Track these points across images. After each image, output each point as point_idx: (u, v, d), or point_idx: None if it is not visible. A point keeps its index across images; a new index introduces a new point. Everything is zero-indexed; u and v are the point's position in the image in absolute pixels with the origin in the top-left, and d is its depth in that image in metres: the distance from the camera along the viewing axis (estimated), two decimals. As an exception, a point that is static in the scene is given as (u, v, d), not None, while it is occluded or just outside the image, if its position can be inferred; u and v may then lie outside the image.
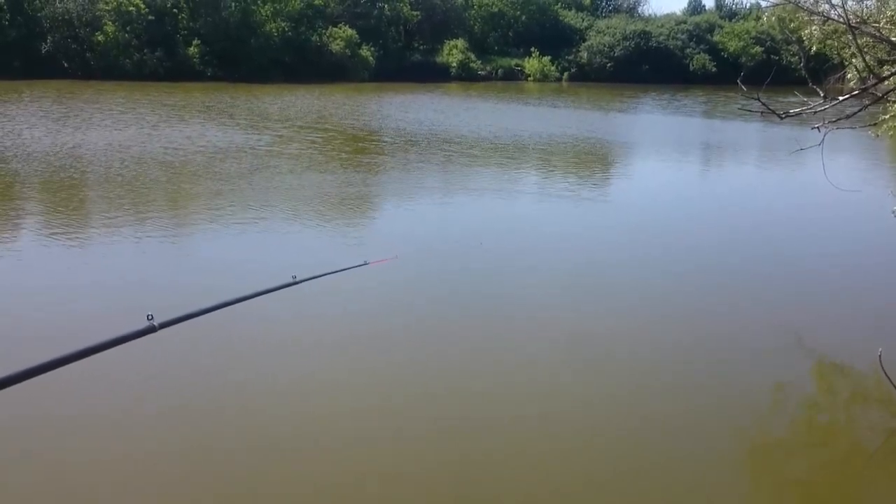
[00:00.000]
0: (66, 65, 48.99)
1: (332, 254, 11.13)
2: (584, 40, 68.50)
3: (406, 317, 8.86)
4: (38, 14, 49.82)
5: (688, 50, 67.89)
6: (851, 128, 9.49)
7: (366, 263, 4.50)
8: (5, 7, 49.65)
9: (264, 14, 54.89)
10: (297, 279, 3.35)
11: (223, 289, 8.34)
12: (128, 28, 50.17)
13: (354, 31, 56.87)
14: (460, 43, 64.10)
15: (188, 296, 8.72)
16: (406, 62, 61.35)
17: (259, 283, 3.20)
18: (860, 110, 9.00)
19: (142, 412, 6.34)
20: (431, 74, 59.46)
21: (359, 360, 7.55)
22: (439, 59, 63.48)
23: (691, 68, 66.48)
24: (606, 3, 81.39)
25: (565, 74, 66.86)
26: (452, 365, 7.61)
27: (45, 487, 5.42)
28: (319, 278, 3.60)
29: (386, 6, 62.20)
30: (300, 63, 54.31)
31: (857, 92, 8.73)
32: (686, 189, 19.34)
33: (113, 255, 10.96)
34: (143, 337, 2.42)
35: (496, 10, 71.23)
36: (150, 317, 2.45)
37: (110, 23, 49.68)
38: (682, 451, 6.25)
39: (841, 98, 8.50)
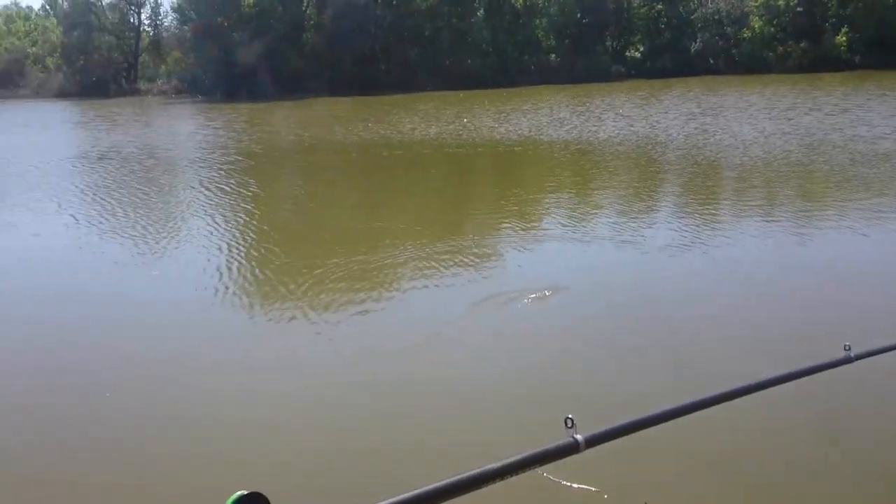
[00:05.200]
0: (711, 62, 51.71)
1: None
2: None
3: None
4: (692, 16, 53.40)
5: None
6: None
7: None
8: (662, 12, 54.52)
9: (927, -7, 49.58)
10: None
11: None
12: (774, 22, 50.54)
13: None
14: None
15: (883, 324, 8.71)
16: None
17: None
18: None
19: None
20: None
21: None
22: None
23: None
24: None
25: None
26: None
27: None
28: None
29: None
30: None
31: None
32: None
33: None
34: (838, 367, 2.25)
35: None
36: (847, 347, 2.28)
37: (757, 18, 50.66)
38: None
39: None
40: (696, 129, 24.01)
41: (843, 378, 2.53)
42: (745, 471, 5.10)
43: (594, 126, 26.04)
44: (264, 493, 1.44)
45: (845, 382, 5.38)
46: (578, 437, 1.81)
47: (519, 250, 10.92)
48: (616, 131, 24.29)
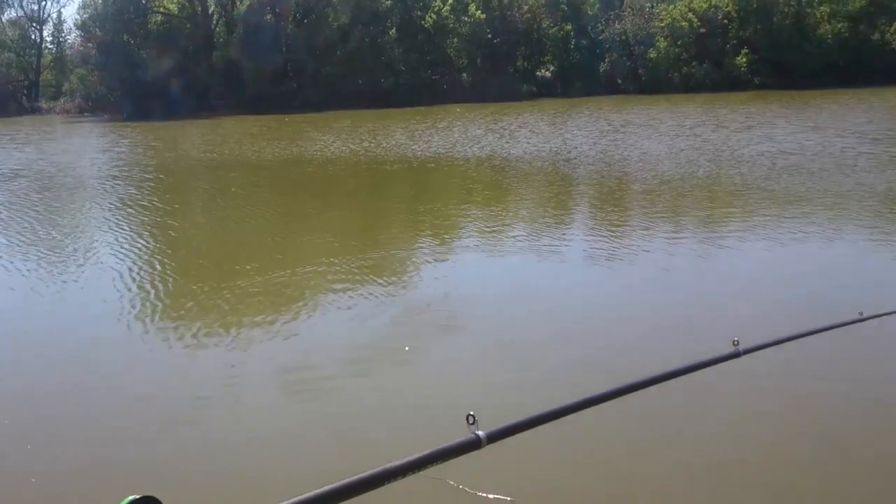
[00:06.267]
0: (619, 82, 53.02)
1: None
2: None
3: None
4: (599, 37, 54.73)
5: None
6: None
7: None
8: (571, 33, 55.77)
9: (819, 17, 52.08)
10: (864, 315, 3.07)
11: (798, 316, 8.15)
12: (678, 43, 52.26)
13: (927, 26, 50.70)
14: None
15: (767, 321, 8.92)
16: None
17: (825, 315, 3.23)
18: None
19: (723, 438, 6.26)
20: None
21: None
22: None
23: None
24: None
25: None
26: None
27: None
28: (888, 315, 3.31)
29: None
30: (856, 65, 50.24)
31: None
32: None
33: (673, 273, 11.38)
34: (727, 361, 2.43)
35: None
36: (735, 342, 2.45)
37: (662, 39, 52.28)
38: None
39: None
40: (607, 145, 24.42)
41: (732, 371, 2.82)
42: (637, 469, 5.14)
43: (507, 143, 26.19)
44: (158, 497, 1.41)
45: (734, 375, 5.45)
46: (480, 433, 1.78)
47: (438, 262, 10.78)
48: (530, 148, 24.49)
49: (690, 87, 50.21)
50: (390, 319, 8.21)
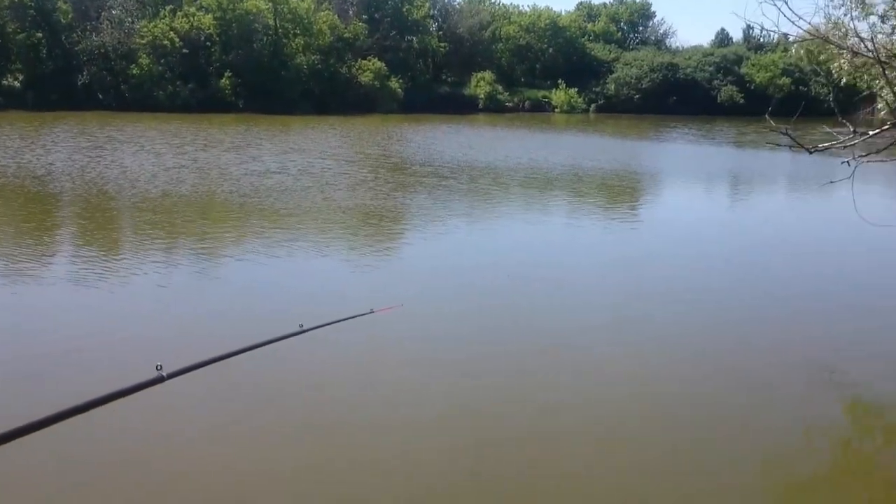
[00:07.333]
0: (101, 97, 50.04)
1: (341, 297, 10.53)
2: (612, 72, 68.82)
3: (419, 363, 8.46)
4: (76, 48, 51.02)
5: (715, 81, 67.99)
6: (883, 161, 9.42)
7: (371, 311, 4.33)
8: (43, 41, 51.04)
9: (295, 47, 55.80)
10: (304, 328, 3.30)
11: (232, 335, 8.18)
12: (162, 61, 51.26)
13: (383, 64, 57.66)
14: (488, 75, 64.72)
15: (197, 342, 8.43)
16: (434, 94, 62.01)
17: (268, 329, 3.28)
18: (893, 143, 8.93)
19: (150, 464, 6.10)
20: (459, 106, 59.97)
21: (368, 410, 7.31)
22: (467, 91, 64.14)
23: (719, 100, 66.49)
24: (634, 36, 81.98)
25: (592, 106, 67.12)
26: (473, 413, 7.35)
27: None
28: (326, 326, 3.56)
29: (414, 39, 63.12)
30: (329, 95, 55.01)
31: (887, 126, 8.68)
32: (713, 222, 19.18)
33: (129, 293, 10.70)
34: (152, 387, 2.38)
35: (524, 42, 71.94)
36: (159, 367, 2.40)
37: (145, 56, 50.76)
38: (710, 487, 6.16)
39: (871, 133, 8.46)
40: (87, 161, 22.77)
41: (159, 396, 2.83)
42: None
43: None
44: None
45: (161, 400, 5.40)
46: None
47: None
48: (-7, 164, 21.62)
49: (177, 105, 49.52)
50: None
